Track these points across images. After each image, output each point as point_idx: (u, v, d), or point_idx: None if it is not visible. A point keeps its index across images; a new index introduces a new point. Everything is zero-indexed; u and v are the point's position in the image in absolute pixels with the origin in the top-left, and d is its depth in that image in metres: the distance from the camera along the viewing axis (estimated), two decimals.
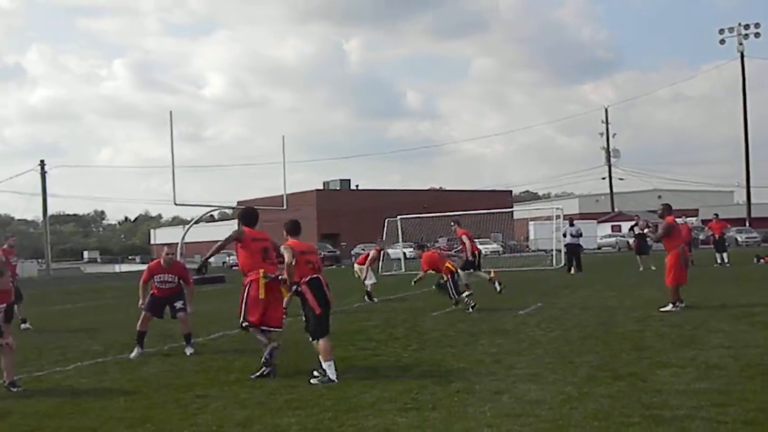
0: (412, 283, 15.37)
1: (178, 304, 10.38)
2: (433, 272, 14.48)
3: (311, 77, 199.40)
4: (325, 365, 7.75)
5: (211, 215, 75.52)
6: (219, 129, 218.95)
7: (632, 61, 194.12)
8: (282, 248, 8.20)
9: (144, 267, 11.37)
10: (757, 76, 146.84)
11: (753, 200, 56.39)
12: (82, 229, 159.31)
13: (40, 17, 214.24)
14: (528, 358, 8.54)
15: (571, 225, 26.14)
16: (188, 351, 10.19)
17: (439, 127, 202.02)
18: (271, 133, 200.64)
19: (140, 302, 10.57)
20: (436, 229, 36.85)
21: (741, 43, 54.00)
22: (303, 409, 6.46)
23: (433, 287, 14.80)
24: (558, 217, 35.53)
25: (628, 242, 44.42)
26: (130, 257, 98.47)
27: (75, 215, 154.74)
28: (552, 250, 33.08)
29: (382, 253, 21.18)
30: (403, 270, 30.10)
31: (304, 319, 8.18)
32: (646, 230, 15.13)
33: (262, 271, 8.36)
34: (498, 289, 16.57)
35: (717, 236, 26.53)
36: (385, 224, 34.63)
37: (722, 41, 55.08)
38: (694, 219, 54.46)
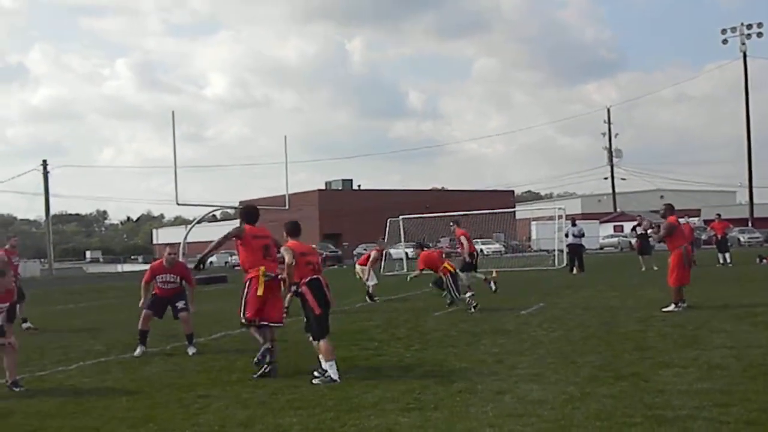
0: (408, 279, 15.40)
1: (180, 304, 10.39)
2: (432, 272, 14.48)
3: (313, 77, 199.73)
4: (326, 365, 7.75)
5: (213, 215, 75.62)
6: (221, 129, 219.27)
7: (635, 61, 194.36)
8: (282, 249, 8.21)
9: (146, 267, 11.38)
10: (759, 76, 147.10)
11: (755, 200, 56.36)
12: (84, 228, 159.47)
13: (43, 17, 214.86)
14: (530, 358, 8.53)
15: (574, 225, 26.13)
16: (190, 351, 10.20)
17: (441, 127, 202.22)
18: (273, 133, 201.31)
19: (141, 302, 10.58)
20: (438, 230, 36.82)
21: (743, 43, 53.97)
22: (305, 409, 6.46)
23: (430, 285, 14.81)
24: (560, 217, 35.54)
25: (630, 242, 44.39)
26: (132, 257, 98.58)
27: (77, 215, 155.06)
28: (554, 250, 33.07)
29: (383, 253, 21.16)
30: (405, 270, 30.07)
31: (305, 319, 8.19)
32: (649, 230, 15.11)
33: (262, 268, 8.37)
34: (493, 288, 16.54)
35: (719, 236, 26.49)
36: (387, 224, 34.65)
37: (725, 41, 55.07)
38: (696, 219, 54.43)
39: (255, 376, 8.13)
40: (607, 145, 70.78)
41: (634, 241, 31.71)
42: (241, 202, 70.09)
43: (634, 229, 27.70)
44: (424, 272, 14.98)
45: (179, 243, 32.75)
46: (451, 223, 17.84)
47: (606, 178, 72.00)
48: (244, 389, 7.51)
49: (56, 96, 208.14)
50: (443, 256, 15.52)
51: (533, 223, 58.78)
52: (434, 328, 11.69)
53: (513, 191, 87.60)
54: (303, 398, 6.91)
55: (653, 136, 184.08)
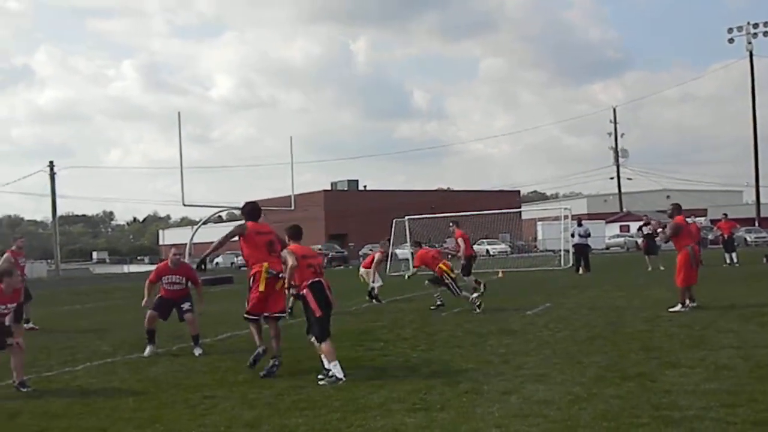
0: (406, 277, 15.39)
1: (185, 306, 10.42)
2: (431, 271, 14.51)
3: (319, 78, 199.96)
4: (330, 365, 7.77)
5: (219, 216, 75.57)
6: (226, 130, 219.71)
7: (641, 61, 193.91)
8: (284, 252, 8.26)
9: (153, 267, 11.42)
10: (765, 75, 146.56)
11: (762, 200, 56.13)
12: (91, 229, 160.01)
13: (48, 18, 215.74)
14: (536, 358, 8.52)
15: (580, 225, 26.09)
16: (197, 352, 10.22)
17: (447, 128, 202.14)
18: (278, 133, 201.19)
19: (144, 301, 10.61)
20: (443, 230, 36.61)
21: (750, 42, 53.74)
22: (311, 410, 6.47)
23: (426, 282, 14.83)
24: (566, 217, 35.45)
25: (636, 242, 44.28)
26: (138, 258, 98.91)
27: (84, 216, 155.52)
28: (560, 250, 33.02)
29: (389, 254, 21.17)
30: (411, 270, 30.07)
31: (306, 321, 8.22)
32: (659, 230, 15.10)
33: (265, 264, 8.43)
34: (481, 290, 16.51)
35: (726, 236, 26.43)
36: (393, 225, 34.63)
37: (731, 40, 54.84)
38: (702, 219, 54.30)
39: (261, 374, 8.17)
40: (613, 145, 70.61)
41: (640, 241, 31.64)
42: (246, 203, 70.24)
43: (640, 229, 27.69)
44: (418, 272, 14.97)
45: (185, 244, 32.88)
46: (451, 224, 17.92)
47: (612, 178, 71.85)
48: (250, 390, 7.51)
49: (62, 97, 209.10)
50: (446, 255, 15.52)
51: (539, 223, 58.67)
52: (440, 328, 11.68)
53: (519, 191, 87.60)
54: (309, 399, 6.92)
55: (659, 136, 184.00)
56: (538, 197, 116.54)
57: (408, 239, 34.33)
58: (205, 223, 39.21)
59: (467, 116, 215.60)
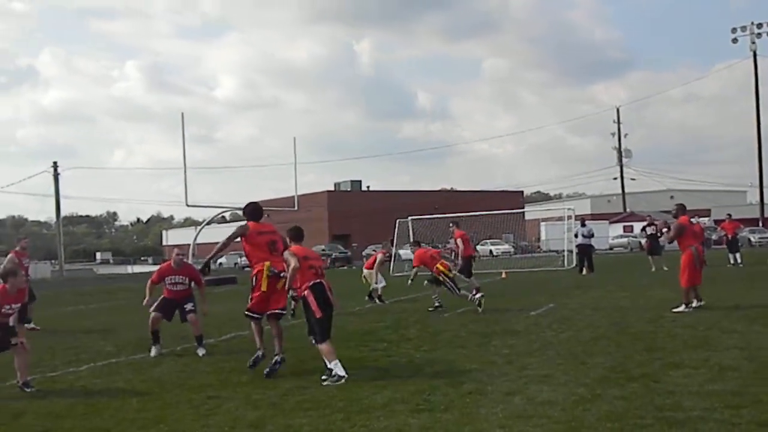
0: (408, 284, 15.32)
1: (188, 307, 10.44)
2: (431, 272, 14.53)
3: (322, 78, 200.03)
4: (331, 365, 7.80)
5: (223, 216, 75.67)
6: (230, 130, 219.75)
7: (644, 61, 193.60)
8: (286, 254, 8.29)
9: (156, 268, 11.43)
10: None
11: (766, 200, 56.02)
12: (94, 230, 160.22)
13: (53, 19, 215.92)
14: (540, 359, 8.52)
15: (583, 225, 26.05)
16: (200, 352, 10.23)
17: (451, 128, 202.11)
18: (282, 134, 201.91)
19: (145, 300, 10.63)
20: (447, 230, 36.75)
21: (754, 42, 53.75)
22: (315, 410, 6.47)
23: (425, 283, 14.85)
24: (569, 217, 35.46)
25: (640, 243, 44.23)
26: (142, 258, 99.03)
27: (88, 216, 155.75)
28: (563, 250, 32.99)
29: (392, 255, 21.17)
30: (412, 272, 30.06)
31: (307, 323, 8.24)
32: (664, 229, 15.10)
33: (267, 263, 8.45)
34: (478, 296, 16.49)
35: (730, 236, 26.37)
36: (396, 225, 34.65)
37: (735, 40, 54.87)
38: (706, 219, 54.21)
39: (266, 373, 8.21)
40: (617, 145, 70.63)
41: (643, 241, 31.60)
42: (248, 204, 70.28)
43: (643, 229, 27.63)
44: (419, 272, 14.96)
45: (189, 245, 32.92)
46: (451, 224, 18.02)
47: (615, 179, 71.89)
48: (254, 390, 7.52)
49: (66, 98, 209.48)
50: (451, 255, 15.52)
51: (542, 223, 58.65)
52: (444, 329, 11.68)
53: (522, 192, 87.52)
54: (313, 399, 6.92)
55: (663, 136, 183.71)
56: (542, 197, 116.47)
57: (411, 240, 34.39)
58: (208, 223, 39.25)
59: (470, 116, 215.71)
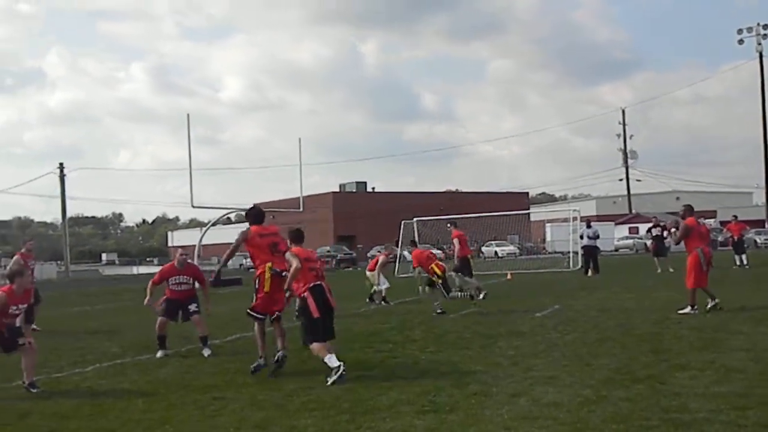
0: (420, 292, 15.27)
1: (192, 307, 10.49)
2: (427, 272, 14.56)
3: (327, 79, 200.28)
4: (326, 359, 7.89)
5: (228, 218, 75.82)
6: (236, 132, 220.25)
7: (650, 62, 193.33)
8: (288, 255, 8.36)
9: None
10: None
11: None
12: (100, 231, 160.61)
13: (59, 21, 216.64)
14: (545, 360, 8.51)
15: (588, 227, 26.01)
16: (206, 352, 10.26)
17: (456, 129, 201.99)
18: (287, 135, 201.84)
19: (146, 300, 10.66)
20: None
21: (760, 43, 53.45)
22: (320, 411, 6.47)
23: (426, 289, 14.86)
24: (575, 218, 35.37)
25: (645, 244, 44.14)
26: (147, 259, 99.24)
27: (93, 217, 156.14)
28: (569, 252, 32.91)
29: (395, 255, 21.19)
30: (416, 273, 30.04)
31: (301, 324, 8.31)
32: (672, 230, 15.09)
33: (268, 264, 8.50)
34: (482, 296, 16.49)
35: (736, 238, 26.29)
36: (401, 226, 34.66)
37: (741, 41, 54.60)
38: (712, 220, 54.07)
39: (271, 367, 8.29)
40: (622, 147, 70.48)
41: (649, 242, 31.54)
42: (255, 205, 70.36)
43: (649, 230, 27.56)
44: (422, 273, 14.99)
45: (194, 245, 32.98)
46: (449, 225, 18.13)
47: (621, 180, 71.75)
48: (259, 391, 7.53)
49: (73, 99, 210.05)
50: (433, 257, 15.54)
51: (548, 224, 58.58)
52: (449, 330, 11.67)
53: (527, 193, 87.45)
54: (318, 400, 6.93)
55: (669, 137, 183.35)
56: (547, 199, 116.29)
57: (416, 241, 34.39)
58: (214, 224, 39.34)
59: (475, 118, 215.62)
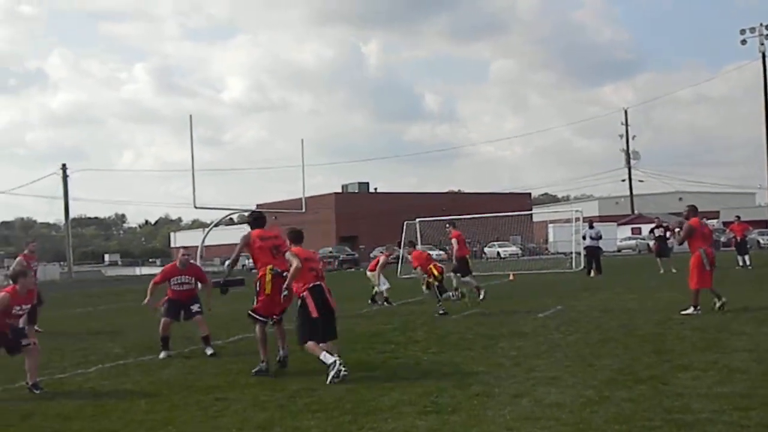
0: (423, 290, 15.28)
1: (195, 308, 10.53)
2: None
3: (330, 80, 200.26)
4: (321, 357, 7.95)
5: (231, 218, 75.91)
6: (238, 132, 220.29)
7: (652, 62, 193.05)
8: (288, 255, 8.41)
9: None
10: None
11: None
12: (103, 232, 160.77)
13: (61, 22, 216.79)
14: (548, 361, 8.51)
15: (591, 227, 26.00)
16: (208, 351, 10.31)
17: (458, 130, 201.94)
18: (290, 136, 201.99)
19: (145, 300, 10.68)
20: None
21: (762, 44, 53.33)
22: (323, 412, 6.48)
23: (425, 291, 14.88)
24: (577, 219, 35.39)
25: (648, 245, 44.10)
26: (150, 260, 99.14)
27: (96, 218, 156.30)
28: (571, 252, 32.93)
29: (397, 256, 21.23)
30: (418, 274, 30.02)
31: (299, 323, 8.32)
32: (677, 229, 15.09)
33: (269, 267, 8.54)
34: (481, 296, 16.49)
35: (739, 238, 26.27)
36: (404, 227, 34.66)
37: (744, 41, 54.53)
38: (715, 221, 54.00)
39: (274, 371, 8.32)
40: (625, 147, 70.40)
41: (652, 243, 31.51)
42: (258, 206, 70.40)
43: (652, 231, 27.54)
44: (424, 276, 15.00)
45: (197, 246, 33.01)
46: (447, 225, 18.24)
47: (623, 180, 71.59)
48: (262, 392, 7.54)
49: (75, 100, 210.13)
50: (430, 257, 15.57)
51: (550, 225, 58.62)
52: (451, 330, 11.67)
53: (530, 194, 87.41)
54: (321, 401, 6.93)
55: (671, 138, 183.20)
56: (549, 199, 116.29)
57: (419, 242, 34.40)
58: (216, 225, 39.37)
59: (478, 118, 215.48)
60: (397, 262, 29.29)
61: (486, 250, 51.88)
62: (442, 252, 39.86)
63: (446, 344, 10.26)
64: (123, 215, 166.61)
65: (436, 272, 14.26)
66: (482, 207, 47.30)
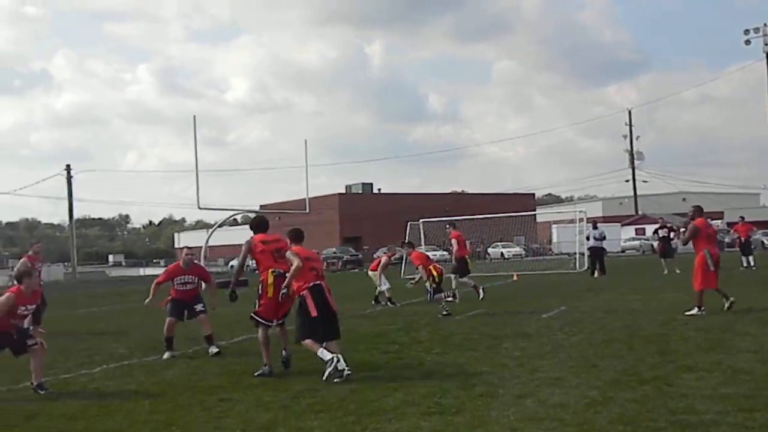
0: (427, 285, 15.31)
1: (198, 307, 10.57)
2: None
3: (333, 80, 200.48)
4: (318, 353, 8.00)
5: (234, 219, 75.90)
6: (241, 133, 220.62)
7: (655, 62, 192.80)
8: (288, 254, 8.46)
9: None
10: None
11: None
12: (107, 232, 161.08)
13: (66, 23, 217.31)
14: (551, 361, 8.50)
15: (595, 228, 25.95)
16: (212, 350, 10.35)
17: (461, 130, 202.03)
18: (293, 136, 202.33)
19: (147, 300, 10.71)
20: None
21: (766, 44, 53.32)
22: (326, 413, 6.48)
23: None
24: (581, 220, 35.32)
25: (652, 245, 44.04)
26: (154, 261, 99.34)
27: (100, 219, 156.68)
28: (575, 253, 32.89)
29: (402, 257, 21.26)
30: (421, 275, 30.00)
31: (299, 321, 8.34)
32: (682, 229, 15.09)
33: (270, 270, 8.56)
34: (481, 296, 16.52)
35: (743, 239, 26.22)
36: (407, 228, 34.66)
37: (747, 42, 54.43)
38: (719, 222, 53.89)
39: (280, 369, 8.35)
40: (629, 148, 70.33)
41: (656, 244, 31.46)
42: (261, 206, 70.44)
43: (656, 231, 27.49)
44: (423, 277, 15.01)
45: (200, 247, 33.03)
46: (447, 226, 18.35)
47: (627, 181, 71.55)
48: (265, 392, 7.54)
49: (79, 101, 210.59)
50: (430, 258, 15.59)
51: (554, 226, 58.51)
52: (455, 331, 11.67)
53: (533, 194, 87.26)
54: (324, 401, 6.93)
55: (675, 138, 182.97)
56: (553, 200, 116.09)
57: (423, 242, 34.39)
58: (220, 226, 39.39)
59: (481, 119, 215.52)
60: (402, 263, 29.27)
61: (490, 250, 51.83)
62: (445, 252, 39.83)
63: (450, 345, 10.26)
64: (127, 216, 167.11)
65: (435, 273, 14.30)
66: (486, 207, 47.24)
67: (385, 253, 18.17)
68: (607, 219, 62.62)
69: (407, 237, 32.71)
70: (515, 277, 26.22)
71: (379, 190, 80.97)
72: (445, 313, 13.85)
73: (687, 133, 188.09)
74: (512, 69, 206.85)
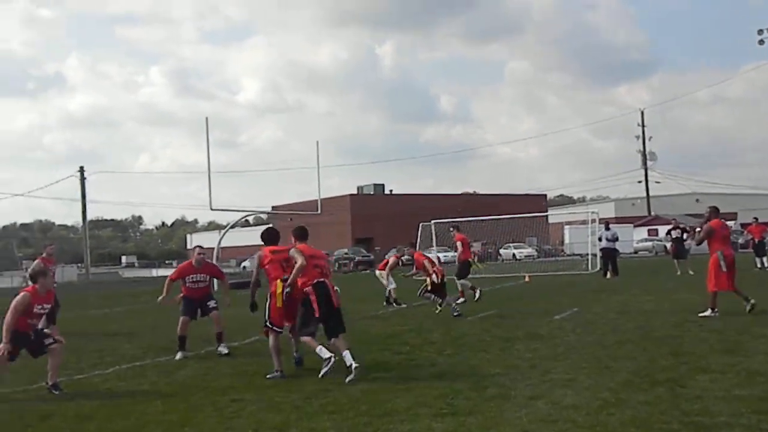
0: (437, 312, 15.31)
1: (211, 304, 10.68)
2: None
3: (345, 82, 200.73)
4: (317, 351, 8.13)
5: (247, 220, 76.21)
6: (254, 134, 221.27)
7: (667, 62, 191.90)
8: (292, 251, 8.55)
9: None
10: None
11: None
12: (120, 234, 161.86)
13: (80, 26, 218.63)
14: (564, 363, 8.47)
15: (607, 229, 25.86)
16: (223, 350, 10.37)
17: (473, 131, 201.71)
18: (305, 137, 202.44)
19: (161, 298, 10.76)
20: (470, 234, 36.71)
21: None
22: (338, 414, 6.49)
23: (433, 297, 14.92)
24: (593, 221, 35.17)
25: (665, 246, 43.82)
26: (167, 262, 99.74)
27: (113, 220, 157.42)
28: (587, 254, 32.75)
29: (408, 257, 21.24)
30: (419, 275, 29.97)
31: (300, 318, 8.43)
32: (697, 229, 15.04)
33: (279, 280, 8.63)
34: (476, 296, 16.50)
35: (757, 240, 26.04)
36: (419, 228, 34.65)
37: (761, 42, 54.08)
38: (732, 222, 53.56)
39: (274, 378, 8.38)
40: (641, 148, 69.99)
41: (669, 245, 31.30)
42: (273, 207, 70.58)
43: (669, 232, 27.35)
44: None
45: (213, 248, 33.11)
46: (451, 228, 18.40)
47: (640, 182, 71.20)
48: (277, 393, 7.56)
49: (92, 103, 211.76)
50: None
51: (566, 227, 58.33)
52: (467, 332, 11.65)
53: (545, 195, 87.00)
54: (336, 402, 6.94)
55: (688, 139, 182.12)
56: (565, 201, 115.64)
57: (434, 243, 34.40)
58: (232, 227, 39.48)
59: (493, 119, 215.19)
60: (412, 264, 29.28)
61: (501, 251, 51.75)
62: (456, 254, 39.84)
63: (462, 346, 10.24)
64: (140, 217, 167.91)
65: (436, 276, 14.35)
66: (498, 208, 47.16)
67: (394, 254, 18.19)
68: (619, 220, 62.38)
69: (419, 238, 32.83)
70: (527, 278, 26.15)
71: (391, 191, 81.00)
72: (456, 314, 13.84)
73: (700, 134, 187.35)
74: (524, 69, 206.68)
